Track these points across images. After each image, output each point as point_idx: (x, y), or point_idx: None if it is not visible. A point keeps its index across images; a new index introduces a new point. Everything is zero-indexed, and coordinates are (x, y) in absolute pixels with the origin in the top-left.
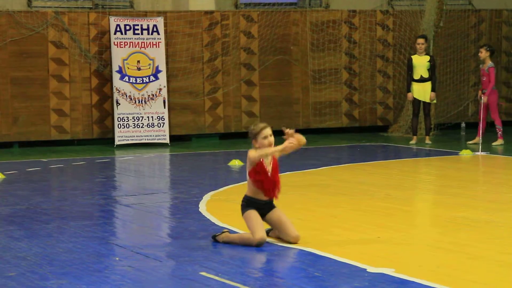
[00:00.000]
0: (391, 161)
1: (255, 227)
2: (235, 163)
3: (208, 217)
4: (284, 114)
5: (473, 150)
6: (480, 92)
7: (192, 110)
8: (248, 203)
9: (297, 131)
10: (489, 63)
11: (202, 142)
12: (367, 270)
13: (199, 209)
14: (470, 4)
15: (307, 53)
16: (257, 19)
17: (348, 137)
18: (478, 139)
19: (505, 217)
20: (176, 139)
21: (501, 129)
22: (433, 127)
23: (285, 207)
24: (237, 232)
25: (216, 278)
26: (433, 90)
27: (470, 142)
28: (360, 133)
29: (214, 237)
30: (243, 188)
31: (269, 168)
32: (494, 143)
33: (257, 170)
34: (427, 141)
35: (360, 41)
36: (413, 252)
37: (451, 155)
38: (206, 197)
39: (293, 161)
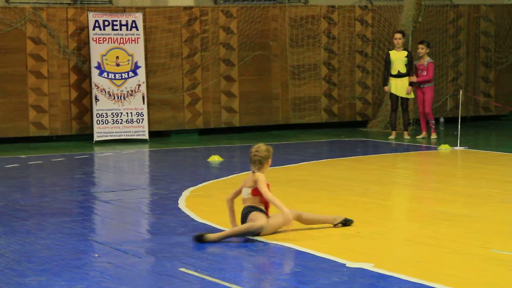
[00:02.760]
0: (370, 156)
1: (259, 217)
2: (215, 158)
3: (187, 213)
4: (264, 109)
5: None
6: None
7: (172, 106)
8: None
9: (276, 126)
10: (428, 58)
11: (181, 138)
12: (347, 265)
13: (179, 205)
14: None
15: (286, 48)
16: (236, 15)
17: (327, 133)
18: (425, 133)
19: (483, 211)
20: (155, 135)
21: (434, 123)
22: (411, 122)
23: None
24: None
25: (195, 274)
26: (410, 85)
27: (419, 136)
28: (339, 128)
29: (199, 238)
30: (222, 184)
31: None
32: (418, 137)
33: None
34: (406, 136)
35: (339, 36)
36: (392, 247)
37: (429, 150)
38: (186, 193)
39: (273, 157)
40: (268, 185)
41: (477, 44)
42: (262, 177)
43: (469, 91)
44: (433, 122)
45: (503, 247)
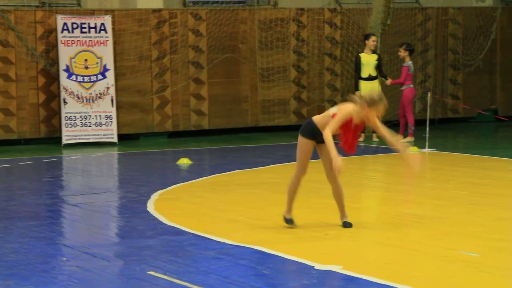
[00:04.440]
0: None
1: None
2: (184, 161)
3: (156, 216)
4: (233, 112)
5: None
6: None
7: (141, 109)
8: (311, 131)
9: (246, 129)
10: (407, 62)
11: (150, 141)
12: (315, 267)
13: (147, 208)
14: (417, 2)
15: (256, 51)
16: (205, 17)
17: (296, 135)
18: (400, 136)
19: (451, 213)
20: (124, 138)
21: (413, 128)
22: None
23: (234, 205)
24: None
25: (164, 277)
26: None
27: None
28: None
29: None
30: (191, 187)
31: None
32: (402, 140)
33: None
34: (375, 138)
35: (308, 39)
36: (361, 249)
37: (398, 152)
38: (154, 196)
39: (242, 159)
40: (349, 121)
41: (445, 46)
42: (348, 109)
43: (437, 93)
44: (412, 127)
45: (470, 248)
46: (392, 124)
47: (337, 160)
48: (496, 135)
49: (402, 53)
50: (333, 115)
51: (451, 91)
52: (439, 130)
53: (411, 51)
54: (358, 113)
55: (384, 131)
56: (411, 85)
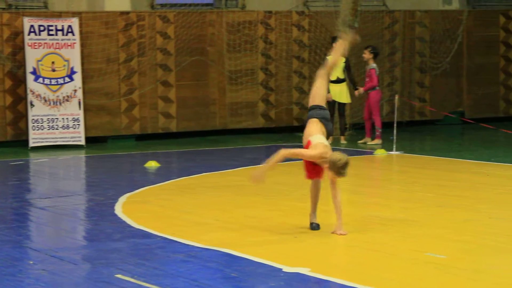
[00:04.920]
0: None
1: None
2: (152, 164)
3: (124, 219)
4: (201, 115)
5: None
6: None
7: (108, 112)
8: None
9: (214, 132)
10: (371, 64)
11: (118, 144)
12: (283, 270)
13: (115, 211)
14: (384, 5)
15: (224, 54)
16: (173, 20)
17: (264, 138)
18: (368, 138)
19: (418, 215)
20: (91, 140)
21: (380, 130)
22: (348, 127)
23: (202, 208)
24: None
25: (132, 280)
26: (355, 89)
27: (360, 141)
28: (276, 133)
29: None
30: (159, 190)
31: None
32: (370, 142)
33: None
34: (342, 141)
35: (276, 41)
36: (329, 252)
37: (366, 154)
38: (122, 199)
39: (210, 162)
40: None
41: (412, 49)
42: (315, 154)
43: (404, 96)
44: (379, 129)
45: (438, 250)
46: (360, 126)
47: (255, 172)
48: (462, 137)
49: (367, 55)
50: (307, 145)
51: (418, 93)
52: (407, 133)
53: (376, 54)
54: (322, 162)
55: (334, 191)
56: (377, 87)
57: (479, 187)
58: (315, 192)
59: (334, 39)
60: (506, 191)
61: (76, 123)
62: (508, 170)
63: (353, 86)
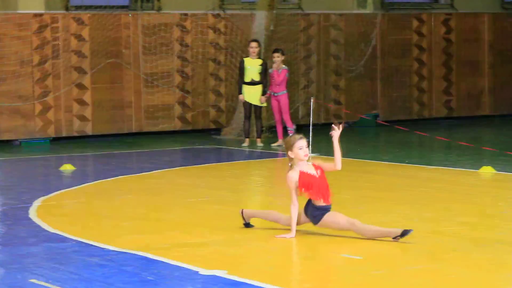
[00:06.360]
0: (224, 164)
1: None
2: (67, 167)
3: (38, 223)
4: (117, 117)
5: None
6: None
7: (22, 115)
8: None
9: (130, 134)
10: (283, 66)
11: (32, 147)
12: (199, 273)
13: (30, 215)
14: (300, 8)
15: (139, 56)
16: (88, 22)
17: (181, 140)
18: (281, 141)
19: None
20: (4, 144)
21: (293, 131)
22: (264, 129)
23: (118, 211)
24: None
25: (47, 284)
26: (263, 93)
27: (274, 144)
28: (193, 136)
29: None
30: (75, 193)
31: (314, 172)
32: (273, 144)
33: (304, 181)
34: (259, 143)
35: (192, 44)
36: (246, 254)
37: (282, 156)
38: (37, 203)
39: (126, 165)
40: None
41: (327, 52)
42: (289, 177)
43: (320, 98)
44: (292, 129)
45: (353, 252)
46: (267, 129)
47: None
48: (377, 139)
49: (279, 58)
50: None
51: (334, 96)
52: (323, 135)
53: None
54: (296, 167)
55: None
56: (286, 91)
57: (395, 188)
58: (294, 212)
59: (258, 43)
60: (421, 191)
61: None
62: (422, 171)
63: (264, 89)
